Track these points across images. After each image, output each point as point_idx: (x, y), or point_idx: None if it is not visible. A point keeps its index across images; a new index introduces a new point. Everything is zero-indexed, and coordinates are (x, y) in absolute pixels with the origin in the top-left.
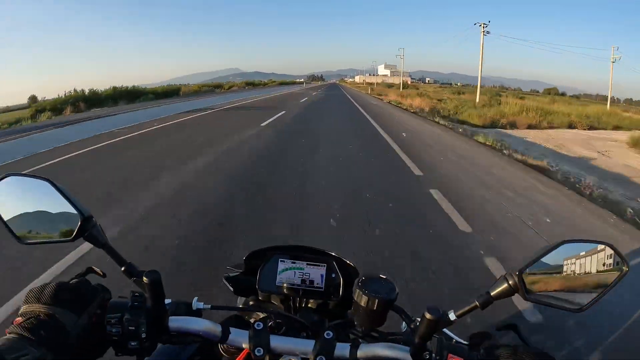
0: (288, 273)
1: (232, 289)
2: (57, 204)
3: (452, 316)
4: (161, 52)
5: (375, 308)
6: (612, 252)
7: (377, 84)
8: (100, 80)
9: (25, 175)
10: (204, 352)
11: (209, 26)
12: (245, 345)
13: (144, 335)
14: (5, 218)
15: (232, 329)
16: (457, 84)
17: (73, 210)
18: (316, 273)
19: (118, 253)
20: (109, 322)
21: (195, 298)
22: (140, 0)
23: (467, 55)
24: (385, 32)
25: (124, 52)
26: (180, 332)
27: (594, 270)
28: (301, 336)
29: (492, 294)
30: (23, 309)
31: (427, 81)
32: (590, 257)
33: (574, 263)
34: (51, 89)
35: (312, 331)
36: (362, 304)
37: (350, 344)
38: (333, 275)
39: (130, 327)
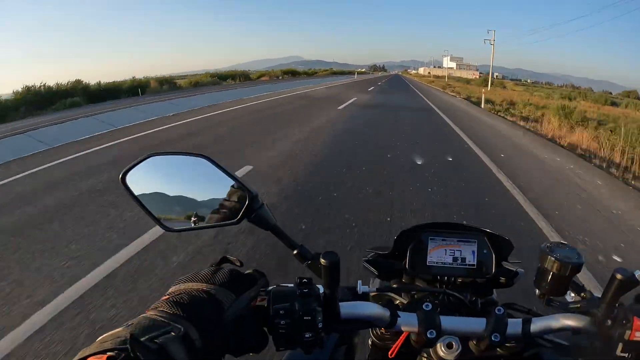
0: (439, 251)
1: (375, 272)
2: (215, 182)
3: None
4: (228, 38)
5: (567, 274)
6: None
7: (448, 77)
8: (162, 65)
9: (173, 153)
10: (348, 340)
11: (275, 13)
12: (414, 329)
13: (320, 325)
14: (151, 206)
15: (400, 313)
16: (526, 81)
17: (234, 188)
18: (468, 250)
19: (288, 235)
20: (277, 312)
21: (360, 282)
22: None
23: (534, 49)
24: (451, 24)
25: (189, 37)
26: (350, 319)
27: None
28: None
29: None
30: (171, 289)
31: (495, 77)
32: None
33: None
34: (124, 71)
35: (481, 310)
36: (555, 270)
37: (521, 319)
38: (485, 251)
39: (305, 317)
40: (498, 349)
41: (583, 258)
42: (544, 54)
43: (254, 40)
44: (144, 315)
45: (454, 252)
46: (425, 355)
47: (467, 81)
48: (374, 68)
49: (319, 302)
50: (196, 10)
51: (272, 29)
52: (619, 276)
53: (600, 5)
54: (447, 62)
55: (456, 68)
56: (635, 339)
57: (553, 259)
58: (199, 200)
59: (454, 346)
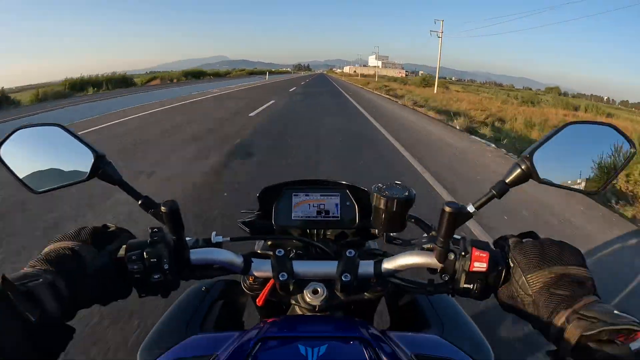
0: (303, 206)
1: (247, 230)
2: (69, 148)
3: (470, 208)
4: (148, 38)
5: (394, 209)
6: (616, 133)
7: (376, 76)
8: (85, 66)
9: (34, 125)
10: (228, 295)
11: (198, 14)
12: (268, 274)
13: (166, 267)
14: (19, 172)
15: (254, 260)
16: (451, 79)
17: (85, 151)
18: (331, 203)
19: (133, 188)
20: (130, 259)
21: (214, 232)
22: None
23: (455, 49)
24: (376, 22)
25: (110, 38)
26: (202, 265)
27: (599, 152)
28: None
29: (506, 181)
30: (44, 249)
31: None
32: (594, 138)
33: (580, 145)
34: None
35: (335, 255)
36: (381, 206)
37: (374, 260)
38: (348, 204)
39: (152, 260)
40: (365, 293)
41: (412, 194)
42: (465, 53)
43: (178, 40)
44: (22, 270)
45: (318, 206)
46: (297, 303)
47: (403, 81)
48: (298, 67)
49: (167, 247)
50: (113, 8)
51: (197, 28)
52: (447, 209)
53: (519, 11)
54: (374, 61)
55: (382, 66)
56: (475, 269)
57: (381, 196)
58: (58, 163)
59: (320, 291)
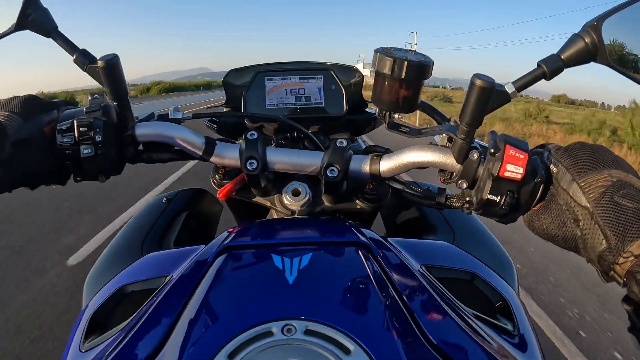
0: (278, 92)
1: (215, 127)
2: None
3: (509, 87)
4: (129, 51)
5: (403, 76)
6: None
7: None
8: (67, 80)
9: None
10: (194, 206)
11: (180, 26)
12: (235, 161)
13: (98, 139)
14: None
15: (218, 142)
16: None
17: None
18: (312, 87)
19: (68, 38)
20: (60, 130)
21: (173, 107)
22: None
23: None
24: (359, 32)
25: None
26: (152, 145)
27: None
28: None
29: (562, 56)
30: None
31: None
32: None
33: None
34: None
35: (323, 145)
36: (386, 70)
37: (371, 155)
38: (333, 87)
39: (81, 129)
40: (358, 202)
41: (429, 60)
42: (443, 60)
43: (161, 52)
44: None
45: (297, 92)
46: (274, 206)
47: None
48: None
49: (106, 116)
50: (93, 19)
51: (181, 40)
52: (478, 82)
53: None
54: (362, 69)
55: (370, 75)
56: (507, 175)
57: (387, 57)
58: None
59: (301, 192)
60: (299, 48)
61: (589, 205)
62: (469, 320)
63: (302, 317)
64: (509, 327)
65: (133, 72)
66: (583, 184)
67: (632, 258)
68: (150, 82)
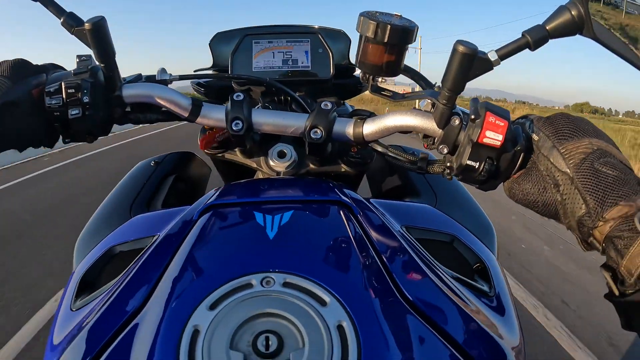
0: (265, 55)
1: (202, 90)
2: None
3: (492, 55)
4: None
5: (386, 40)
6: None
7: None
8: None
9: None
10: (182, 169)
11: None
12: (220, 122)
13: (86, 100)
14: None
15: (205, 104)
16: None
17: None
18: (299, 50)
19: (56, 2)
20: (48, 92)
21: (161, 68)
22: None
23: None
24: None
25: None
26: (139, 106)
27: None
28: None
29: (547, 27)
30: None
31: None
32: None
33: None
34: None
35: (309, 108)
36: (369, 34)
37: (354, 118)
38: (320, 51)
39: (69, 91)
40: (343, 165)
41: (413, 25)
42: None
43: (136, 63)
44: None
45: (283, 54)
46: (259, 168)
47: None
48: None
49: (93, 77)
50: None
51: (155, 50)
52: (461, 48)
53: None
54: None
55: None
56: (486, 140)
57: (371, 21)
58: None
59: (287, 154)
60: None
61: (569, 171)
62: (446, 281)
63: (281, 270)
64: (486, 288)
65: None
66: (563, 150)
67: (610, 223)
68: None
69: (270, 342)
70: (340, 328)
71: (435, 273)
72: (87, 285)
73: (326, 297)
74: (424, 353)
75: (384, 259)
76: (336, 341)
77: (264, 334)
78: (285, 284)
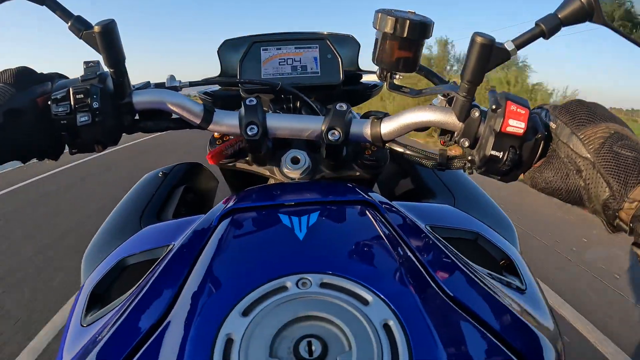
0: (274, 62)
1: (210, 99)
2: None
3: (509, 45)
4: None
5: (405, 34)
6: None
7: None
8: None
9: None
10: (191, 180)
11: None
12: (234, 128)
13: (95, 105)
14: None
15: (217, 110)
16: None
17: None
18: (308, 57)
19: (62, 5)
20: (55, 100)
21: (170, 74)
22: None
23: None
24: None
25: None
26: (150, 113)
27: None
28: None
29: (559, 15)
30: None
31: None
32: None
33: None
34: None
35: (321, 113)
36: (388, 29)
37: (371, 118)
38: (329, 56)
39: (78, 97)
40: (357, 169)
41: (430, 20)
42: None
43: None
44: None
45: (292, 61)
46: (272, 176)
47: None
48: None
49: (102, 83)
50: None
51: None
52: (479, 39)
53: None
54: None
55: None
56: (509, 130)
57: (389, 16)
58: None
59: (300, 160)
60: None
61: (589, 156)
62: (481, 277)
63: (316, 271)
64: (517, 283)
65: None
66: (582, 136)
67: (636, 203)
68: None
69: (313, 347)
70: (386, 327)
71: (469, 269)
72: (98, 299)
73: (368, 296)
74: (472, 348)
75: (418, 256)
76: (384, 341)
77: (305, 339)
78: (323, 285)
